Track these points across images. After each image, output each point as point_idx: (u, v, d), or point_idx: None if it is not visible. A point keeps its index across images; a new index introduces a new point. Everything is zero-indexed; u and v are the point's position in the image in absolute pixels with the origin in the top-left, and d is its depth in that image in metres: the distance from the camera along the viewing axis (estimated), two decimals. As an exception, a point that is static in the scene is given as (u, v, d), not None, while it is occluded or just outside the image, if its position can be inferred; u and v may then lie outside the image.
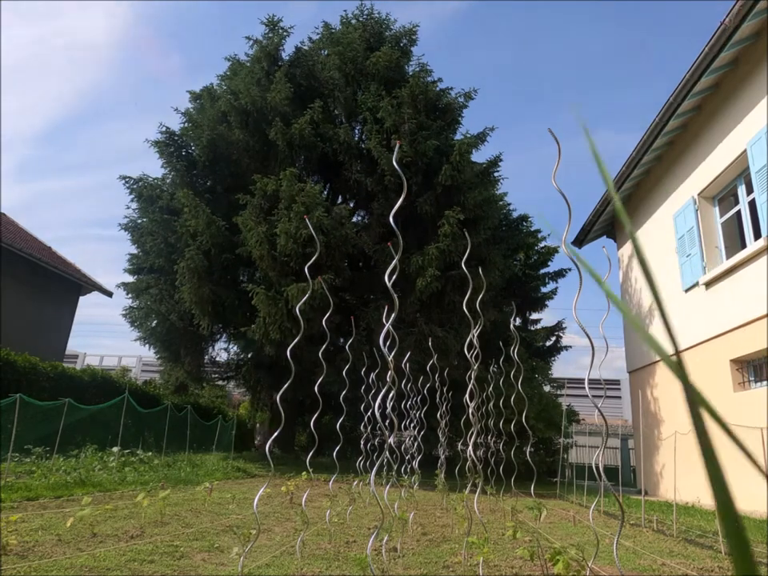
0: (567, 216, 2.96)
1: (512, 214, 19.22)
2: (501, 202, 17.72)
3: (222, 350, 17.13)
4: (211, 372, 17.65)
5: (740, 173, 9.57)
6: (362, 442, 7.10)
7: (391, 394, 3.56)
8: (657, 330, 12.30)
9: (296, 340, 3.36)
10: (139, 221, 14.91)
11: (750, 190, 9.29)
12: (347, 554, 4.04)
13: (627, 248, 14.40)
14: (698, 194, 10.54)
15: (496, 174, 16.27)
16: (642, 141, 11.38)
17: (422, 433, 7.94)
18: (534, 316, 21.36)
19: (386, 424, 3.20)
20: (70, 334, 19.53)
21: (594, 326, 3.85)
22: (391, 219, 2.76)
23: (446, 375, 7.75)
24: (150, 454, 10.21)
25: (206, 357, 16.51)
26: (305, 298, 4.07)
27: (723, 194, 10.31)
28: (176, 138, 15.38)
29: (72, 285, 18.93)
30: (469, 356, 4.26)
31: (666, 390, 11.67)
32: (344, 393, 5.63)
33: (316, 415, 4.80)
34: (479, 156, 20.73)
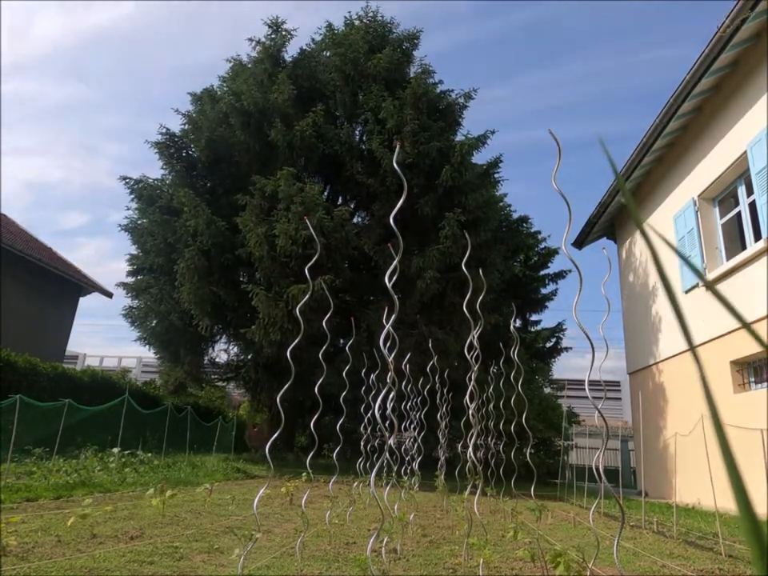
0: (567, 217, 2.97)
1: (512, 215, 19.24)
2: (501, 204, 17.75)
3: (222, 351, 17.14)
4: (211, 373, 17.65)
5: (740, 174, 9.57)
6: (362, 443, 7.09)
7: (391, 396, 3.57)
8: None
9: (296, 341, 3.35)
10: (139, 221, 14.93)
11: (750, 192, 9.30)
12: (347, 555, 4.04)
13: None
14: (698, 196, 10.54)
15: (496, 176, 16.30)
16: (642, 142, 11.39)
17: (422, 434, 7.93)
18: (534, 317, 21.38)
19: (386, 425, 3.20)
20: (70, 334, 19.54)
21: (594, 327, 3.84)
22: (392, 220, 2.77)
23: (446, 376, 7.74)
24: (150, 454, 10.21)
25: (206, 357, 16.52)
26: (305, 299, 4.07)
27: (723, 196, 10.32)
28: (176, 139, 15.41)
29: (72, 285, 18.94)
30: (469, 357, 4.26)
31: (666, 391, 11.66)
32: (344, 394, 5.62)
33: (316, 416, 4.80)
34: (480, 157, 20.73)
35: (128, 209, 15.05)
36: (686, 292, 10.74)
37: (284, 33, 15.69)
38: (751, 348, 8.52)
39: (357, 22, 16.16)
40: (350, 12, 16.83)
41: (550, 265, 21.22)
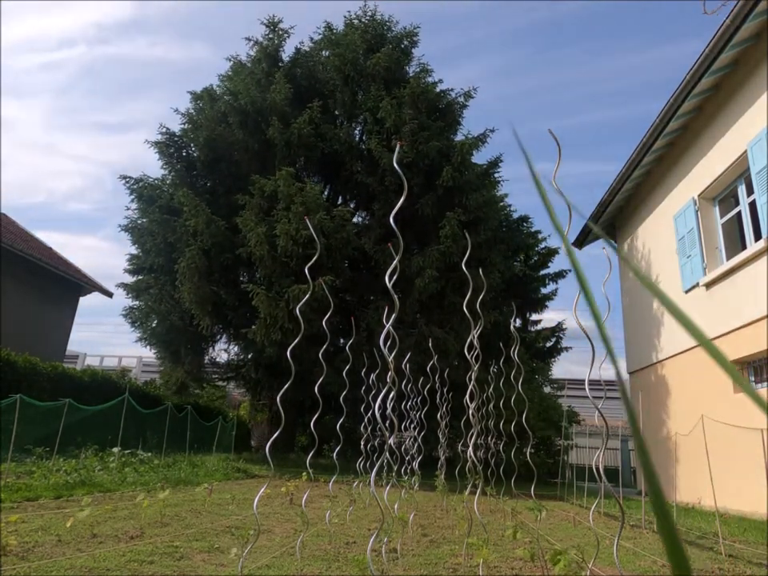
0: (567, 217, 2.96)
1: (512, 215, 19.25)
2: (501, 203, 17.75)
3: (222, 351, 17.15)
4: (211, 372, 17.65)
5: (740, 174, 9.57)
6: (362, 443, 7.09)
7: (391, 395, 3.56)
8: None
9: (296, 341, 3.35)
10: (139, 221, 14.93)
11: (750, 191, 9.29)
12: (347, 554, 4.04)
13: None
14: (699, 195, 10.54)
15: (496, 176, 16.31)
16: (642, 142, 11.39)
17: (422, 434, 7.93)
18: (535, 317, 21.38)
19: (386, 425, 3.20)
20: (70, 334, 19.54)
21: (594, 327, 3.84)
22: (392, 220, 2.76)
23: (446, 376, 7.74)
24: (151, 454, 10.21)
25: (206, 357, 16.52)
26: (305, 298, 4.07)
27: (723, 195, 10.31)
28: (176, 138, 15.42)
29: (72, 285, 18.95)
30: (469, 357, 4.26)
31: (666, 390, 11.66)
32: (344, 393, 5.62)
33: (316, 416, 4.80)
34: (480, 157, 20.74)
35: (128, 209, 15.07)
36: (687, 291, 10.74)
37: (281, 32, 15.70)
38: (751, 348, 8.51)
39: (356, 22, 16.17)
40: (349, 11, 16.84)
41: (550, 264, 21.24)
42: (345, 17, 16.33)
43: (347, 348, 5.54)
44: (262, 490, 3.36)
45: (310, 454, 4.64)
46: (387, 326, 2.78)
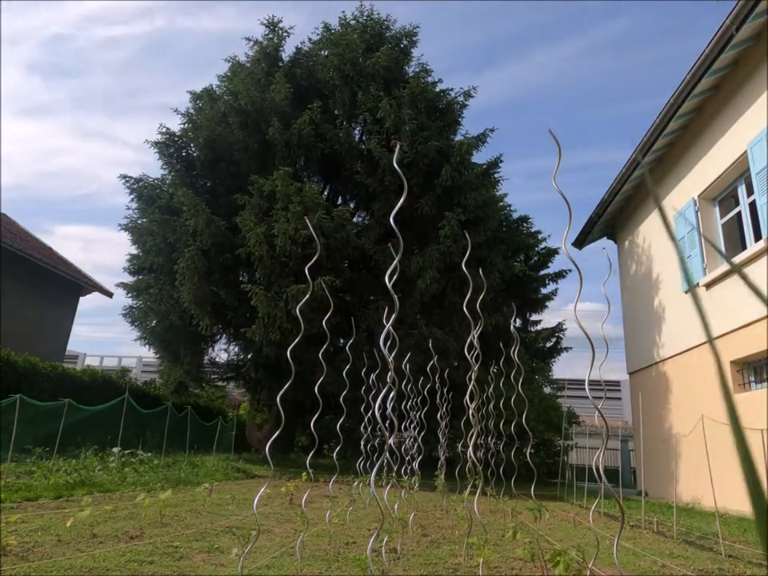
0: (567, 217, 2.96)
1: (512, 215, 19.24)
2: (501, 203, 17.76)
3: (222, 351, 17.14)
4: (211, 372, 17.65)
5: (740, 174, 9.58)
6: (362, 443, 7.09)
7: (391, 395, 3.56)
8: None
9: (296, 341, 3.35)
10: (139, 221, 14.93)
11: (750, 192, 9.30)
12: (347, 554, 4.04)
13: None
14: (699, 196, 10.54)
15: (496, 175, 16.31)
16: (642, 142, 11.40)
17: (422, 434, 7.93)
18: (534, 317, 21.39)
19: (386, 425, 3.20)
20: (70, 334, 19.53)
21: (595, 327, 3.84)
22: (391, 220, 2.76)
23: (446, 376, 7.74)
24: (150, 454, 10.20)
25: (206, 357, 16.52)
26: (305, 298, 4.07)
27: (723, 196, 10.32)
28: (176, 138, 15.41)
29: (72, 285, 18.93)
30: (469, 357, 4.26)
31: (666, 390, 11.66)
32: (344, 393, 5.62)
33: (316, 416, 4.80)
34: (479, 157, 20.74)
35: (128, 208, 15.07)
36: (686, 292, 10.74)
37: (280, 32, 15.69)
38: (751, 348, 8.51)
39: (353, 22, 16.15)
40: (344, 12, 16.80)
41: (550, 265, 21.24)
42: (340, 17, 16.30)
43: (347, 348, 5.55)
44: (261, 490, 3.36)
45: (310, 454, 4.64)
46: (387, 326, 2.78)
